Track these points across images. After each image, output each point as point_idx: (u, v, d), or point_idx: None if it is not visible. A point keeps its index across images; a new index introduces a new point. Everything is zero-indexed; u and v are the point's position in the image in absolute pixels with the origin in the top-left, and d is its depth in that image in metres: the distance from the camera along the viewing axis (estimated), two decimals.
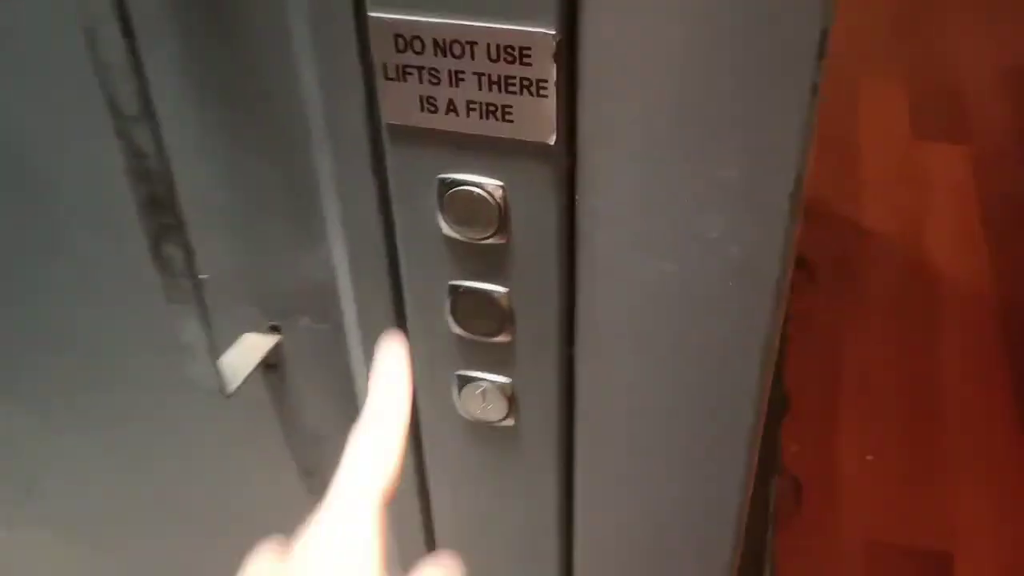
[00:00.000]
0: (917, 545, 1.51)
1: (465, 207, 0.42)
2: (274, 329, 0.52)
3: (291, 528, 0.64)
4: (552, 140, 0.39)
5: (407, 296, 0.47)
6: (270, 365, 0.51)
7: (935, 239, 2.12)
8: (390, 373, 0.37)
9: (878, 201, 2.18)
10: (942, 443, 1.67)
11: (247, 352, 0.48)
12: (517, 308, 0.45)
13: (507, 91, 0.38)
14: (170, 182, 0.39)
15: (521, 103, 0.38)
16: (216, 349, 0.45)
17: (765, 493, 1.40)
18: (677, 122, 0.37)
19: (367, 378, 0.51)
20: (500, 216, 0.42)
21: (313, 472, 0.57)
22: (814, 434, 1.70)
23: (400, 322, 0.49)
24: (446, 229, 0.43)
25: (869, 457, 1.66)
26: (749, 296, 0.41)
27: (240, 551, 0.71)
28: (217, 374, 0.44)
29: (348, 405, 0.54)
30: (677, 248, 0.41)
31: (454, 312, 0.46)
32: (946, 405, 1.75)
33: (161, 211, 0.39)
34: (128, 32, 0.35)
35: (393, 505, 0.57)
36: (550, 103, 0.38)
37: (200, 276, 0.48)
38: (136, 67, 0.35)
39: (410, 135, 0.41)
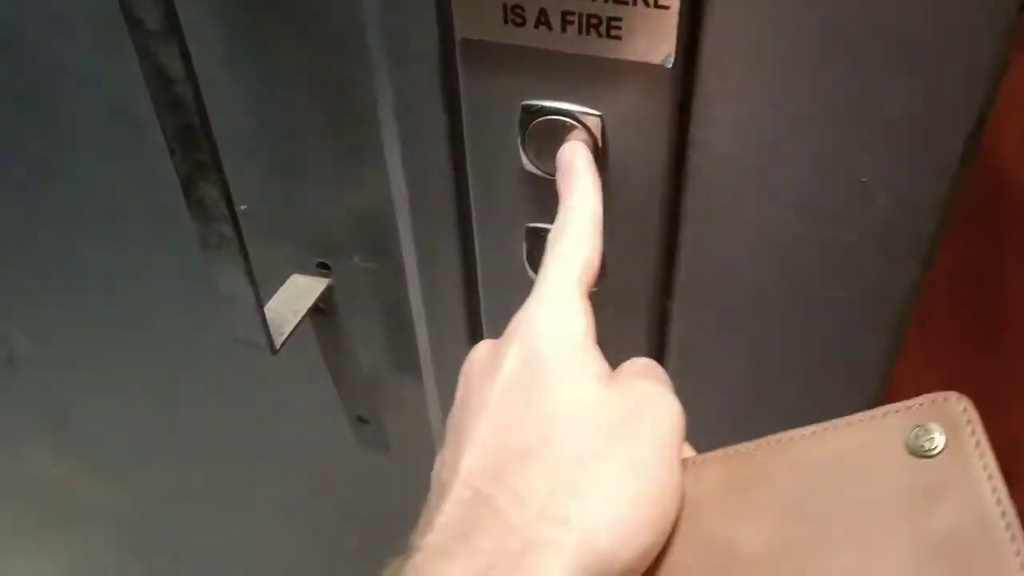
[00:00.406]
0: None
1: (552, 139, 0.35)
2: (322, 267, 0.46)
3: (343, 478, 0.60)
4: (669, 62, 0.31)
5: (477, 238, 0.41)
6: (319, 309, 0.44)
7: (1008, 147, 2.00)
8: (580, 168, 0.33)
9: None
10: (1010, 362, 1.60)
11: (294, 298, 0.42)
12: (609, 266, 0.38)
13: (616, 0, 0.31)
14: (203, 112, 0.32)
15: (633, 16, 0.31)
16: (259, 298, 0.39)
17: None
18: (829, 42, 0.30)
19: (426, 323, 0.45)
20: (595, 152, 0.35)
21: (367, 419, 0.51)
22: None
23: (468, 265, 0.42)
24: (527, 164, 0.36)
25: (931, 377, 1.59)
26: (892, 256, 0.34)
27: (288, 502, 0.67)
28: (263, 329, 0.38)
29: (404, 351, 0.49)
30: (809, 198, 0.33)
31: (531, 259, 0.40)
32: (1015, 324, 1.67)
33: (193, 146, 0.32)
34: None
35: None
36: (671, 15, 0.30)
37: (240, 207, 0.42)
38: None
39: (489, 53, 0.34)
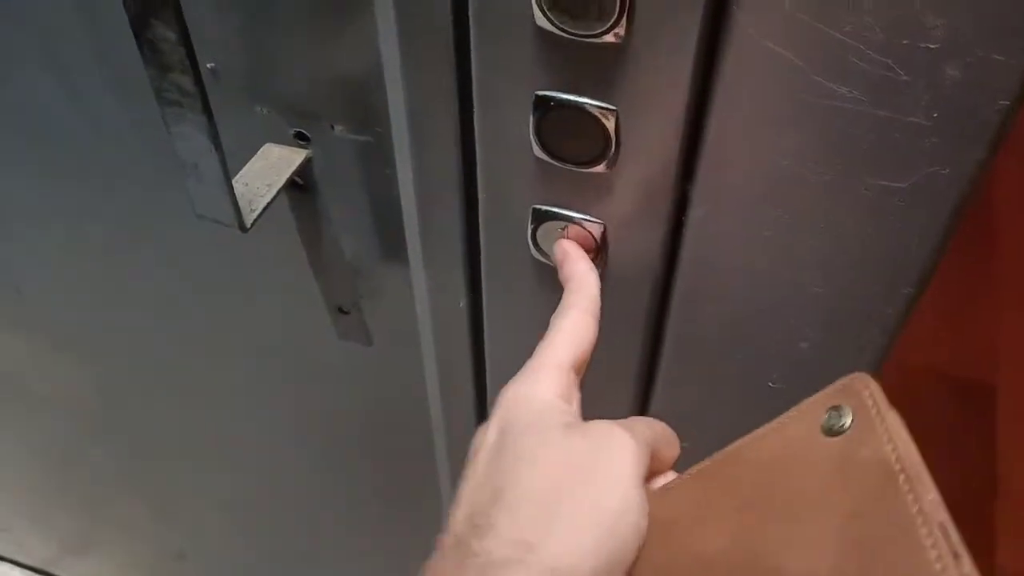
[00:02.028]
0: (961, 374, 1.45)
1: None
2: (300, 138, 0.41)
3: (320, 368, 0.56)
4: None
5: (478, 104, 0.36)
6: (296, 184, 0.40)
7: None
8: (577, 257, 0.37)
9: None
10: (996, 268, 1.58)
11: (268, 170, 0.37)
12: (624, 130, 0.34)
13: None
14: None
15: None
16: (226, 167, 0.34)
17: None
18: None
19: (416, 204, 0.41)
20: (621, 3, 0.30)
21: (348, 310, 0.47)
22: None
23: (466, 139, 0.38)
24: (540, 21, 0.31)
25: None
26: (954, 140, 0.30)
27: (261, 389, 0.63)
28: (231, 204, 0.34)
29: (390, 234, 0.44)
30: (861, 63, 0.29)
31: (539, 130, 0.35)
32: (1000, 230, 1.64)
33: None
34: None
35: (441, 349, 0.48)
36: None
37: (207, 65, 0.37)
38: None
39: None
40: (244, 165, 0.38)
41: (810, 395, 0.38)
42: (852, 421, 0.30)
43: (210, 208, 0.34)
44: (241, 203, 0.34)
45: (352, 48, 0.36)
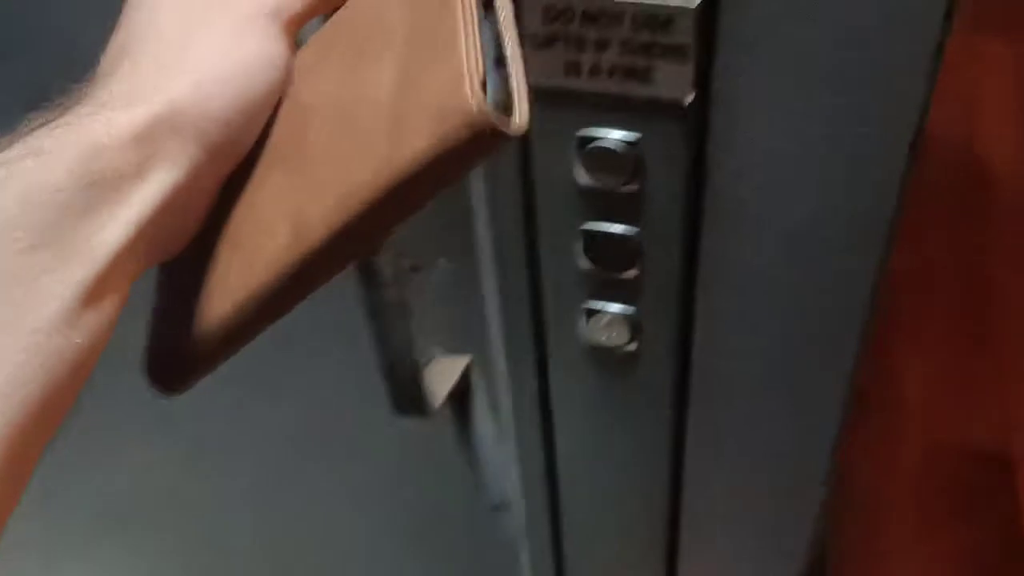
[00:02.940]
0: (978, 445, 1.56)
1: (602, 158, 0.46)
2: (413, 269, 0.57)
3: (394, 452, 0.70)
4: (689, 99, 0.43)
5: (541, 237, 0.52)
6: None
7: (982, 131, 2.10)
8: None
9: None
10: (1003, 339, 1.70)
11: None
12: (646, 247, 0.50)
13: (649, 56, 0.42)
14: None
15: (661, 66, 0.42)
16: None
17: None
18: (808, 87, 0.41)
19: (497, 311, 0.57)
20: (634, 167, 0.46)
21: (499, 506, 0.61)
22: (874, 338, 1.74)
23: (532, 259, 0.53)
24: (583, 178, 0.47)
25: (930, 359, 1.69)
26: (865, 243, 0.45)
27: (341, 481, 0.77)
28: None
29: (475, 337, 0.60)
30: (799, 203, 0.45)
31: (586, 249, 0.51)
32: (1004, 299, 1.76)
33: None
34: None
35: (517, 427, 0.63)
36: (688, 67, 0.42)
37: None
38: None
39: (553, 96, 0.45)
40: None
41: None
42: None
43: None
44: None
45: (454, 205, 0.53)
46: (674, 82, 0.42)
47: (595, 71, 0.43)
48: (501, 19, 0.29)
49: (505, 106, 0.28)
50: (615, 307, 0.53)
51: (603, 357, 0.56)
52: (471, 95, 0.27)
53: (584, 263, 0.51)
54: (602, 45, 0.42)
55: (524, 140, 0.48)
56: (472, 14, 0.28)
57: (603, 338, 0.55)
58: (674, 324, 0.53)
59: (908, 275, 1.83)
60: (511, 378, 0.60)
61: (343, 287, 0.51)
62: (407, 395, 0.48)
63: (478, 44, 0.28)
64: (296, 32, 0.34)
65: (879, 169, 0.43)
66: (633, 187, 0.47)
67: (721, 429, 0.58)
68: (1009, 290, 1.79)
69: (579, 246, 0.50)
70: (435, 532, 0.80)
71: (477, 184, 0.51)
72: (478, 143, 0.27)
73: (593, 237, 0.50)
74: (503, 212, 0.51)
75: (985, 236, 1.89)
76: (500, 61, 0.29)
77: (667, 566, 0.69)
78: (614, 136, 0.45)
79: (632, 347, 0.54)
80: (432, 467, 0.72)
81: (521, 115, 0.29)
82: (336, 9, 0.34)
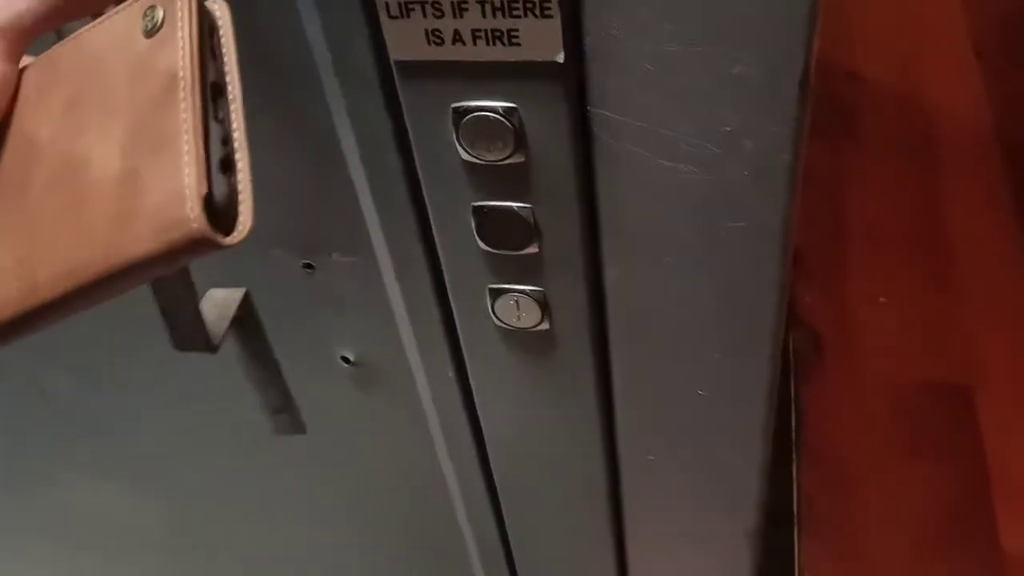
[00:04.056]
0: (937, 380, 1.55)
1: (481, 132, 0.43)
2: (307, 267, 0.54)
3: (329, 451, 0.68)
4: (560, 58, 0.39)
5: (433, 221, 0.49)
6: (240, 317, 0.53)
7: (929, 77, 2.10)
8: None
9: (869, 44, 2.16)
10: (953, 278, 1.70)
11: (220, 306, 0.51)
12: (541, 221, 0.47)
13: (511, 15, 0.39)
14: None
15: (526, 25, 0.39)
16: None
17: (785, 348, 1.43)
18: (683, 28, 0.38)
19: (401, 300, 0.54)
20: (516, 137, 0.43)
21: (282, 409, 0.59)
22: (826, 284, 1.73)
23: (428, 245, 0.50)
24: (464, 154, 0.44)
25: (882, 299, 1.69)
26: (766, 185, 0.42)
27: (287, 480, 0.75)
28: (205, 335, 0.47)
29: (382, 329, 0.57)
30: (692, 149, 0.42)
31: (479, 231, 0.48)
32: (954, 240, 1.77)
33: None
34: None
35: (443, 415, 0.60)
36: (555, 23, 0.38)
37: None
38: None
39: (419, 69, 0.42)
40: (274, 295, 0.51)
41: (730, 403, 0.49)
42: (163, 20, 0.30)
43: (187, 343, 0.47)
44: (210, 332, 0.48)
45: (337, 196, 0.49)
46: (543, 42, 0.39)
47: (458, 38, 0.40)
48: (231, 112, 0.30)
49: (228, 206, 0.30)
50: (521, 286, 0.50)
51: (517, 338, 0.53)
52: (192, 212, 0.28)
53: (481, 243, 0.48)
54: (461, 8, 0.39)
55: (398, 117, 0.45)
56: (198, 112, 0.29)
57: (513, 320, 0.52)
58: (584, 297, 0.50)
59: (858, 218, 1.83)
60: (426, 371, 0.57)
61: None
62: (186, 332, 0.47)
63: (202, 150, 0.29)
64: (23, 49, 0.33)
65: (771, 109, 0.40)
66: (519, 158, 0.44)
67: (649, 395, 0.55)
68: (961, 229, 1.79)
69: (472, 226, 0.47)
70: (381, 520, 0.77)
71: (357, 170, 0.48)
72: (199, 250, 0.30)
73: (485, 215, 0.47)
74: (389, 198, 0.48)
75: (934, 178, 1.88)
76: (227, 163, 0.30)
77: (615, 539, 0.66)
78: (490, 105, 0.42)
79: (545, 326, 0.52)
80: (376, 455, 0.69)
81: (243, 224, 0.32)
82: (67, 17, 0.34)
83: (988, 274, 1.70)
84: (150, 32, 0.30)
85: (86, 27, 0.33)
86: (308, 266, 0.54)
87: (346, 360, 0.59)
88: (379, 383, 0.60)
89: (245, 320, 0.52)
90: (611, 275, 0.49)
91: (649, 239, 0.47)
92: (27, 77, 0.34)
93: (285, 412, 0.59)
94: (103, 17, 0.32)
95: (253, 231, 0.53)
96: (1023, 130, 1.94)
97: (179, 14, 0.30)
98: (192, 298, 0.47)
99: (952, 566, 1.36)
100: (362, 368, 0.60)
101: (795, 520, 1.37)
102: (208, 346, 0.49)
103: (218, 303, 0.52)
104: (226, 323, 0.51)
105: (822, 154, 1.91)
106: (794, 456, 1.46)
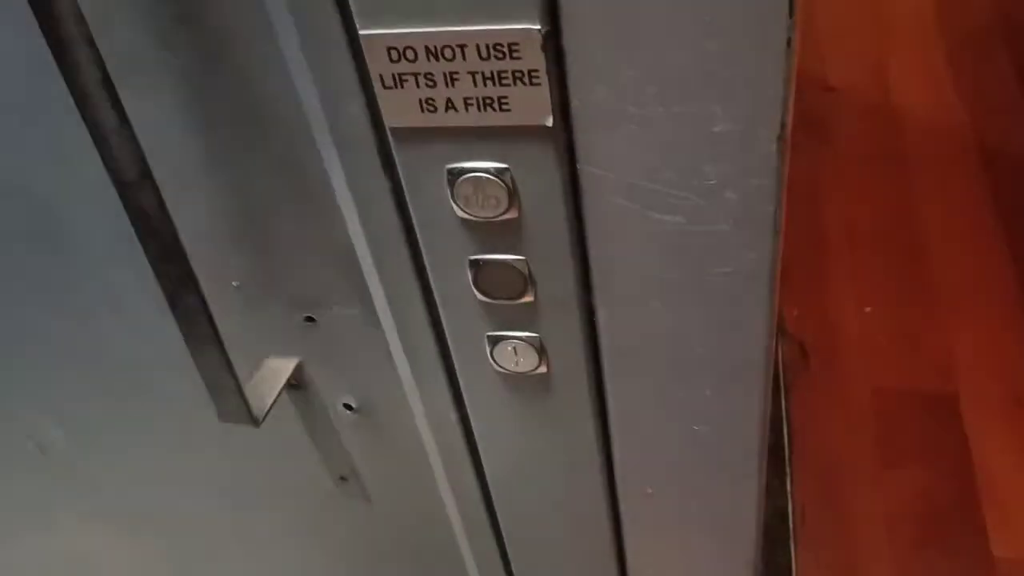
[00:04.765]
0: (921, 387, 1.58)
1: (475, 190, 0.45)
2: (309, 320, 0.55)
3: (333, 498, 0.69)
4: (549, 122, 0.41)
5: (430, 273, 0.50)
6: (293, 384, 0.54)
7: (901, 82, 2.13)
8: None
9: (842, 55, 2.19)
10: (934, 285, 1.72)
11: (270, 376, 0.52)
12: (535, 272, 0.48)
13: (501, 84, 0.41)
14: (174, 236, 0.41)
15: (516, 93, 0.41)
16: (239, 382, 0.48)
17: (774, 361, 1.45)
18: (665, 90, 0.40)
19: (401, 350, 0.55)
20: (508, 194, 0.44)
21: (346, 477, 0.61)
22: (811, 296, 1.76)
23: (427, 295, 0.52)
24: (459, 212, 0.46)
25: (867, 309, 1.71)
26: (750, 233, 0.44)
27: (289, 527, 0.76)
28: (246, 407, 0.48)
29: (384, 376, 0.58)
30: (678, 201, 0.44)
31: (476, 283, 0.49)
32: (933, 247, 1.80)
33: (172, 263, 0.42)
34: (115, 101, 0.37)
35: (445, 458, 0.61)
36: (543, 90, 0.40)
37: (233, 284, 0.51)
38: (129, 135, 0.37)
39: (414, 134, 0.43)
40: (268, 350, 0.52)
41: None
42: None
43: (230, 413, 0.48)
44: (253, 405, 0.49)
45: (337, 252, 0.51)
46: (532, 107, 0.41)
47: (451, 105, 0.42)
48: None
49: None
50: (518, 333, 0.52)
51: (516, 383, 0.55)
52: None
53: (478, 294, 0.50)
54: (453, 79, 0.41)
55: (395, 177, 0.46)
56: None
57: (512, 365, 0.53)
58: (579, 341, 0.52)
59: (837, 228, 1.85)
60: (427, 416, 0.59)
61: None
62: (231, 404, 0.48)
63: None
64: None
65: (751, 163, 0.42)
66: (512, 214, 0.46)
67: (646, 433, 0.57)
68: (940, 235, 1.82)
69: (469, 278, 0.49)
70: (386, 557, 0.78)
71: (356, 228, 0.49)
72: None
73: (481, 268, 0.48)
74: (387, 254, 0.50)
75: (908, 182, 1.91)
76: None
77: (618, 573, 0.68)
78: (483, 166, 0.44)
79: (542, 369, 0.53)
80: (380, 496, 0.71)
81: None
82: None
83: (969, 280, 1.73)
84: None
85: None
86: (309, 319, 0.55)
87: (348, 407, 0.61)
88: (381, 428, 0.62)
89: (301, 388, 0.53)
90: (604, 319, 0.51)
91: (639, 285, 0.48)
92: None
93: (349, 480, 0.60)
94: None
95: (255, 287, 0.54)
96: (997, 136, 1.98)
97: None
98: (231, 371, 0.47)
99: (943, 569, 1.38)
100: (364, 415, 0.61)
101: (791, 534, 1.38)
102: (251, 419, 0.50)
103: (272, 372, 0.53)
104: (275, 393, 0.52)
105: (799, 166, 1.94)
106: (787, 469, 1.48)
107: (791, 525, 1.44)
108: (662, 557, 0.66)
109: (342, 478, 0.60)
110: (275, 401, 0.52)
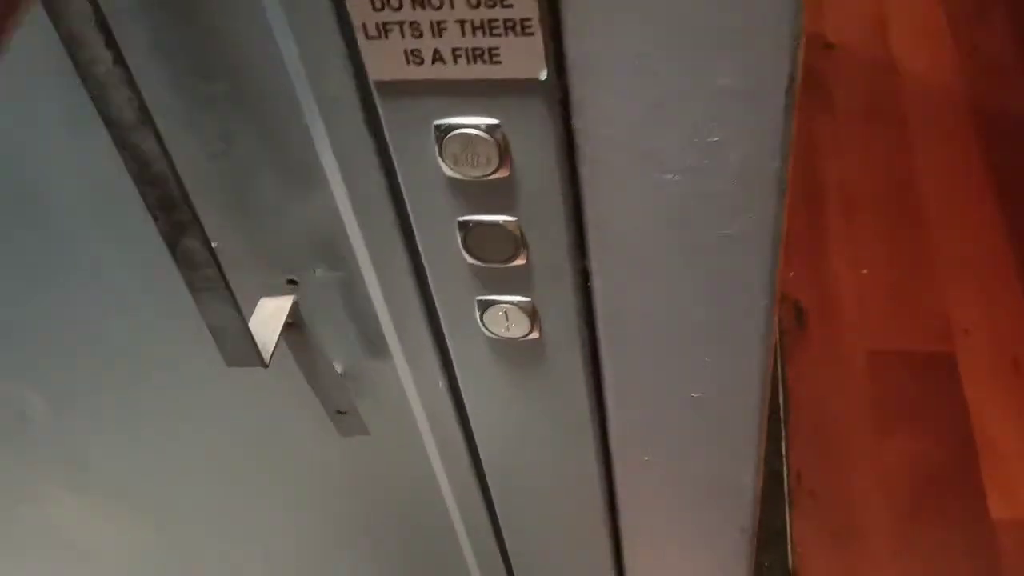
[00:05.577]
0: (919, 349, 1.56)
1: (464, 148, 0.42)
2: (291, 283, 0.53)
3: (326, 467, 0.68)
4: (543, 75, 0.39)
5: (418, 235, 0.48)
6: (290, 323, 0.52)
7: (901, 40, 2.10)
8: None
9: (841, 13, 2.15)
10: (932, 245, 1.71)
11: (269, 319, 0.50)
12: (527, 233, 0.46)
13: (491, 34, 0.38)
14: (178, 181, 0.39)
15: (507, 44, 0.38)
16: (247, 325, 0.46)
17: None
18: (667, 40, 0.37)
19: (387, 313, 0.53)
20: (499, 152, 0.42)
21: (345, 411, 0.59)
22: (807, 257, 1.74)
23: (413, 257, 0.50)
24: (447, 171, 0.44)
25: (864, 271, 1.70)
26: (754, 194, 0.42)
27: (281, 497, 0.75)
28: (254, 351, 0.46)
29: (370, 341, 0.56)
30: (678, 160, 0.41)
31: (465, 245, 0.47)
32: (930, 207, 1.77)
33: (174, 210, 0.39)
34: (111, 43, 0.34)
35: (435, 426, 0.60)
36: (536, 41, 0.38)
37: (212, 245, 0.49)
38: (127, 78, 0.35)
39: (399, 88, 0.41)
40: (250, 320, 0.50)
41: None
42: None
43: (239, 358, 0.46)
44: (260, 348, 0.46)
45: (319, 213, 0.49)
46: (524, 60, 0.38)
47: (438, 57, 0.39)
48: None
49: None
50: (509, 297, 0.50)
51: (507, 349, 0.53)
52: None
53: (467, 257, 0.48)
54: (440, 28, 0.38)
55: (379, 135, 0.44)
56: None
57: (502, 331, 0.51)
58: (573, 305, 0.49)
59: (835, 189, 1.83)
60: (416, 383, 0.57)
61: None
62: (238, 348, 0.46)
63: None
64: None
65: (758, 119, 0.39)
66: (503, 173, 0.43)
67: (642, 399, 0.55)
68: (938, 197, 1.80)
69: (458, 240, 0.47)
70: (374, 530, 0.77)
71: (339, 188, 0.47)
72: None
73: (471, 229, 0.46)
74: (372, 215, 0.48)
75: (906, 142, 1.89)
76: None
77: (612, 541, 0.66)
78: (473, 123, 0.41)
79: (534, 335, 0.51)
80: (368, 465, 0.69)
81: None
82: None
83: (967, 242, 1.71)
84: None
85: None
86: (291, 282, 0.53)
87: None
88: (369, 395, 0.60)
89: (297, 327, 0.52)
90: (599, 283, 0.49)
91: (637, 247, 0.46)
92: None
93: (349, 413, 0.58)
94: None
95: (235, 249, 0.52)
96: (996, 97, 1.95)
97: None
98: (239, 313, 0.45)
99: (941, 532, 1.37)
100: (351, 380, 0.59)
101: (786, 497, 1.38)
102: (260, 360, 0.48)
103: (270, 314, 0.51)
104: (276, 334, 0.50)
105: (798, 125, 1.91)
106: (783, 432, 1.47)
107: (786, 488, 1.43)
108: (657, 523, 0.65)
109: (339, 412, 0.58)
110: (279, 341, 0.50)
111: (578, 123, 0.41)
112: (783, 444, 1.50)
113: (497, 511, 0.65)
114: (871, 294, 1.66)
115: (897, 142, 1.90)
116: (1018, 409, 1.47)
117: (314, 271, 0.53)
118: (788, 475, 1.46)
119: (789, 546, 1.35)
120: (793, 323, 1.67)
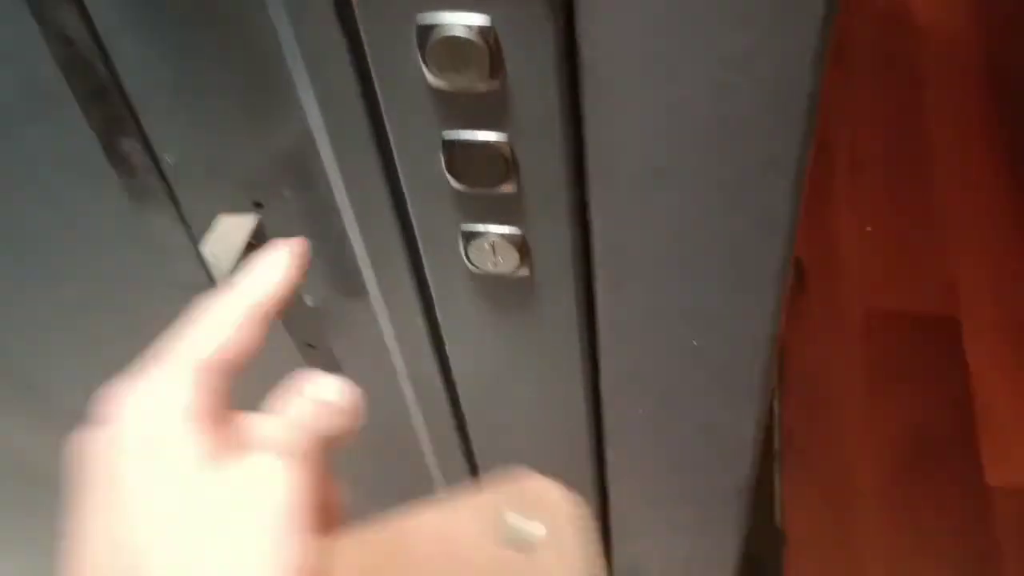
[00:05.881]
0: (922, 310, 1.52)
1: (451, 53, 0.37)
2: (257, 205, 0.47)
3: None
4: None
5: (396, 154, 0.43)
6: (253, 244, 0.47)
7: None
8: (267, 261, 0.34)
9: None
10: (938, 206, 1.65)
11: (226, 237, 0.44)
12: (519, 155, 0.41)
13: None
14: (111, 68, 0.33)
15: None
16: (195, 241, 0.41)
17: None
18: None
19: (361, 243, 0.48)
20: (491, 59, 0.37)
21: (314, 344, 0.54)
22: (811, 211, 1.68)
23: (391, 179, 0.44)
24: (431, 79, 0.38)
25: (868, 228, 1.65)
26: (782, 116, 0.37)
27: None
28: (203, 269, 0.40)
29: (343, 273, 0.51)
30: (696, 70, 0.36)
31: (450, 166, 0.42)
32: (939, 167, 1.72)
33: (105, 102, 0.34)
34: None
35: (412, 367, 0.55)
36: None
37: (167, 160, 0.44)
38: None
39: None
40: (207, 236, 0.45)
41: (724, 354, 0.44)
42: (538, 535, 0.27)
43: (186, 277, 0.40)
44: (212, 269, 0.41)
45: (286, 126, 0.43)
46: None
47: None
48: None
49: None
50: (497, 228, 0.45)
51: (493, 285, 0.48)
52: None
53: (452, 180, 0.42)
54: None
55: (354, 35, 0.38)
56: None
57: (489, 265, 0.46)
58: (567, 240, 0.44)
59: (843, 144, 1.77)
60: (392, 320, 0.52)
61: None
62: (185, 267, 0.41)
63: None
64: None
65: (793, 27, 0.34)
66: (494, 84, 0.38)
67: (640, 346, 0.50)
68: (944, 154, 1.74)
69: (442, 161, 0.41)
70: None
71: (307, 96, 0.41)
72: None
73: (456, 149, 0.41)
74: (345, 129, 0.42)
75: (920, 104, 1.83)
76: None
77: (599, 500, 0.62)
78: (461, 22, 0.36)
79: (524, 272, 0.46)
80: None
81: None
82: None
83: (973, 203, 1.66)
84: (515, 541, 0.26)
85: (412, 519, 0.28)
86: (258, 205, 0.48)
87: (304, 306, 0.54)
88: (341, 331, 0.55)
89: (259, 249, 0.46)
90: (597, 215, 0.44)
91: (642, 174, 0.41)
92: (345, 550, 0.28)
93: (318, 348, 0.53)
94: (434, 510, 0.28)
95: (193, 165, 0.47)
96: (1010, 53, 1.89)
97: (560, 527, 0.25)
98: (187, 228, 0.40)
99: (934, 497, 1.34)
100: (323, 314, 0.54)
101: (775, 453, 1.34)
102: (211, 282, 0.42)
103: (228, 232, 0.45)
104: (234, 255, 0.45)
105: None
106: (775, 390, 1.43)
107: (777, 447, 1.39)
108: (648, 483, 0.60)
109: (309, 345, 0.53)
110: (237, 263, 0.44)
111: (583, 27, 0.36)
112: (775, 401, 1.46)
113: (476, 460, 0.60)
114: (875, 252, 1.62)
115: (909, 99, 1.84)
116: (1019, 374, 1.43)
117: (281, 193, 0.47)
118: (780, 433, 1.42)
119: (777, 504, 1.32)
120: (793, 279, 1.62)
